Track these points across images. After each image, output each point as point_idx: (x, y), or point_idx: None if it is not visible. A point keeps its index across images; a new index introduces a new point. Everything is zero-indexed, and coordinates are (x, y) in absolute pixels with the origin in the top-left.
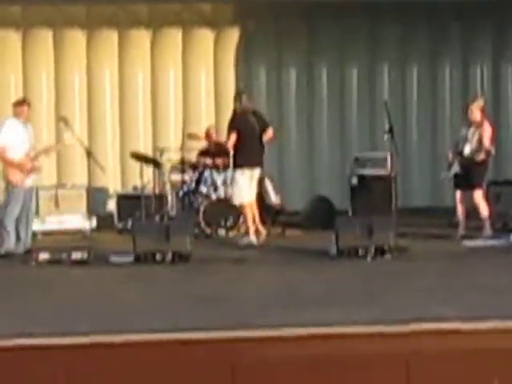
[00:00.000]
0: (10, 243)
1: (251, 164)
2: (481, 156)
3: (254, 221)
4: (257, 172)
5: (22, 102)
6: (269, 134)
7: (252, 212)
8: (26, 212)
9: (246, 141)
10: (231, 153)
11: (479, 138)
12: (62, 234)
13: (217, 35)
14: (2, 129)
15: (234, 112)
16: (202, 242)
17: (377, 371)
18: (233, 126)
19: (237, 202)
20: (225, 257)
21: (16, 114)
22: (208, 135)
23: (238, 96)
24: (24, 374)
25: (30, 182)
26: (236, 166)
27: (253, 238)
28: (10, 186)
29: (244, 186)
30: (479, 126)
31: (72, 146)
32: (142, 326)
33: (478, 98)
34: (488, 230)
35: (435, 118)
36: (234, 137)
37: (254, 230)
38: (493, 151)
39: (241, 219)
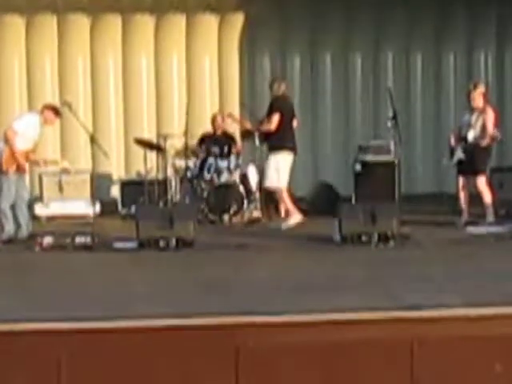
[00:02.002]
0: (10, 228)
1: (295, 148)
2: (485, 141)
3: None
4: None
5: (54, 109)
6: (295, 123)
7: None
8: (19, 198)
9: (287, 125)
10: (270, 135)
11: (483, 123)
12: (66, 219)
13: (221, 21)
14: (24, 117)
15: (275, 97)
16: (206, 228)
17: (380, 358)
18: (276, 107)
19: (273, 186)
20: (228, 243)
21: (43, 114)
22: (213, 121)
23: (275, 82)
24: (27, 359)
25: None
26: (281, 148)
27: (298, 215)
28: (1, 171)
29: (285, 170)
30: (482, 111)
31: (68, 170)
32: (146, 312)
33: (479, 83)
34: (491, 217)
35: (439, 105)
36: (277, 118)
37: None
38: (498, 136)
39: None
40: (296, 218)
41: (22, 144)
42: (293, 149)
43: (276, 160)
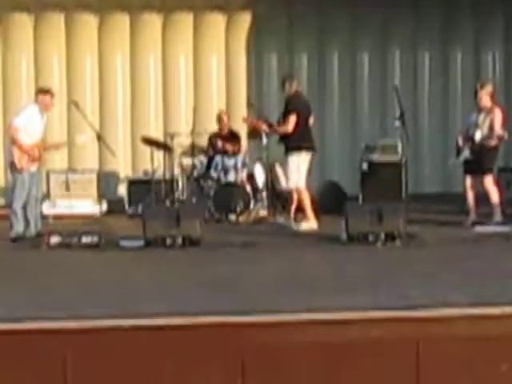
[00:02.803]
0: (20, 227)
1: (312, 147)
2: (492, 142)
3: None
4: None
5: (46, 91)
6: (311, 120)
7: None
8: (31, 197)
9: (304, 124)
10: (289, 135)
11: (490, 123)
12: (73, 218)
13: (228, 20)
14: (22, 112)
15: (289, 96)
16: (212, 227)
17: (386, 357)
18: (293, 108)
19: (293, 186)
20: (235, 241)
21: (38, 101)
22: (220, 120)
23: (286, 81)
24: (33, 357)
25: (33, 167)
26: (300, 149)
27: (313, 222)
28: (13, 170)
29: (304, 170)
30: (489, 111)
31: (83, 146)
32: (152, 310)
33: (487, 83)
34: (498, 216)
35: (446, 104)
36: (294, 118)
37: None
38: (505, 136)
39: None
40: (311, 224)
41: (27, 138)
42: (311, 148)
43: (296, 161)
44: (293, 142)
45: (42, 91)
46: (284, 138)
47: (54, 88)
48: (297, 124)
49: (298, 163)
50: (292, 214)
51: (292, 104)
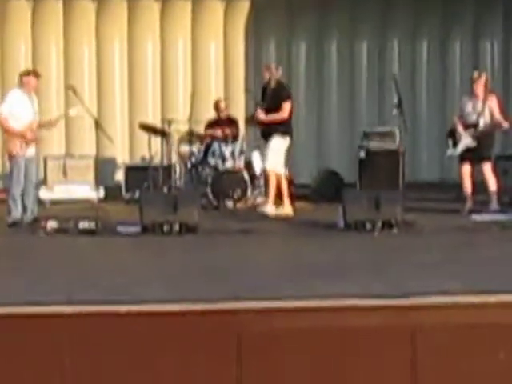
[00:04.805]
0: (17, 213)
1: (292, 134)
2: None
3: (281, 194)
4: None
5: (27, 73)
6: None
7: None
8: (28, 182)
9: (291, 110)
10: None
11: (490, 111)
12: (70, 203)
13: (227, 7)
14: (6, 99)
15: (278, 83)
16: (210, 214)
17: (382, 344)
18: (287, 95)
19: (270, 167)
20: (232, 228)
21: (21, 84)
22: (217, 107)
23: (272, 64)
24: (30, 342)
25: (30, 152)
26: (285, 133)
27: (289, 209)
28: (10, 157)
29: (282, 155)
30: (485, 99)
31: (78, 117)
32: (148, 297)
33: (479, 74)
34: (495, 204)
35: (445, 93)
36: (289, 105)
37: (273, 200)
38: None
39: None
40: (287, 211)
41: (16, 123)
42: (292, 136)
43: (280, 143)
44: (282, 127)
45: (25, 73)
46: (269, 123)
47: (51, 74)
48: (290, 111)
49: (281, 146)
50: (271, 198)
51: (285, 91)
